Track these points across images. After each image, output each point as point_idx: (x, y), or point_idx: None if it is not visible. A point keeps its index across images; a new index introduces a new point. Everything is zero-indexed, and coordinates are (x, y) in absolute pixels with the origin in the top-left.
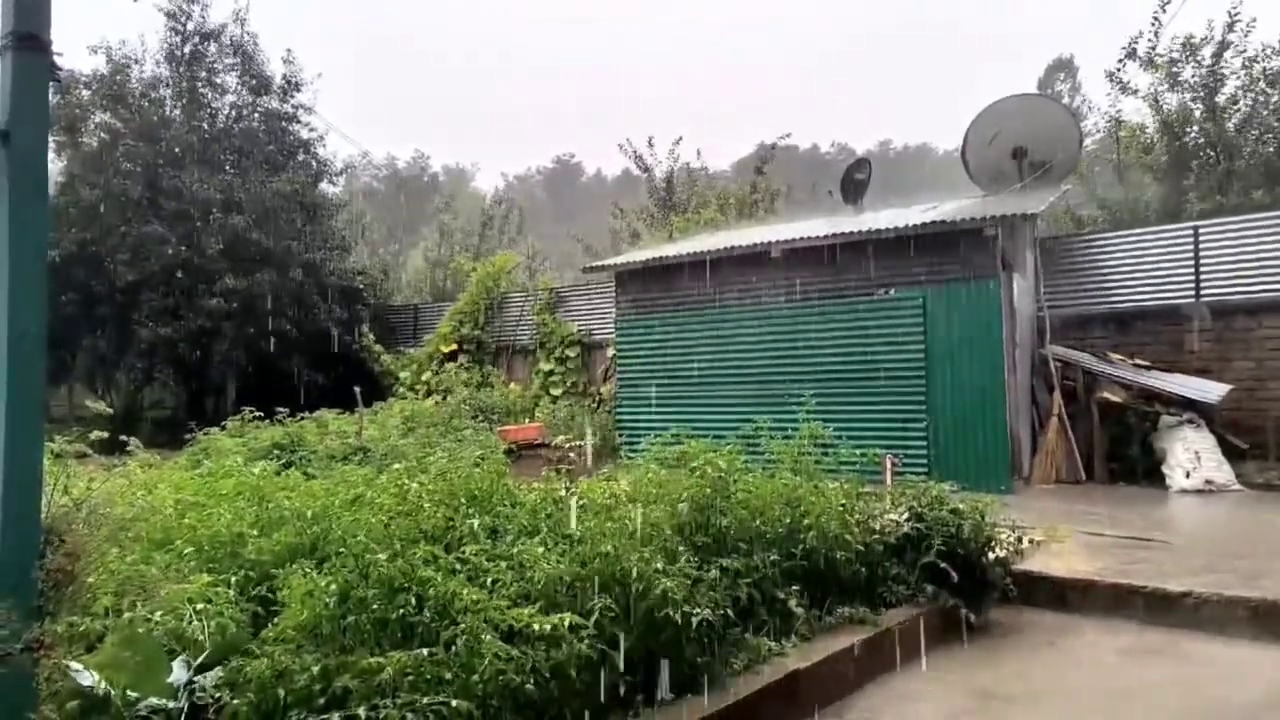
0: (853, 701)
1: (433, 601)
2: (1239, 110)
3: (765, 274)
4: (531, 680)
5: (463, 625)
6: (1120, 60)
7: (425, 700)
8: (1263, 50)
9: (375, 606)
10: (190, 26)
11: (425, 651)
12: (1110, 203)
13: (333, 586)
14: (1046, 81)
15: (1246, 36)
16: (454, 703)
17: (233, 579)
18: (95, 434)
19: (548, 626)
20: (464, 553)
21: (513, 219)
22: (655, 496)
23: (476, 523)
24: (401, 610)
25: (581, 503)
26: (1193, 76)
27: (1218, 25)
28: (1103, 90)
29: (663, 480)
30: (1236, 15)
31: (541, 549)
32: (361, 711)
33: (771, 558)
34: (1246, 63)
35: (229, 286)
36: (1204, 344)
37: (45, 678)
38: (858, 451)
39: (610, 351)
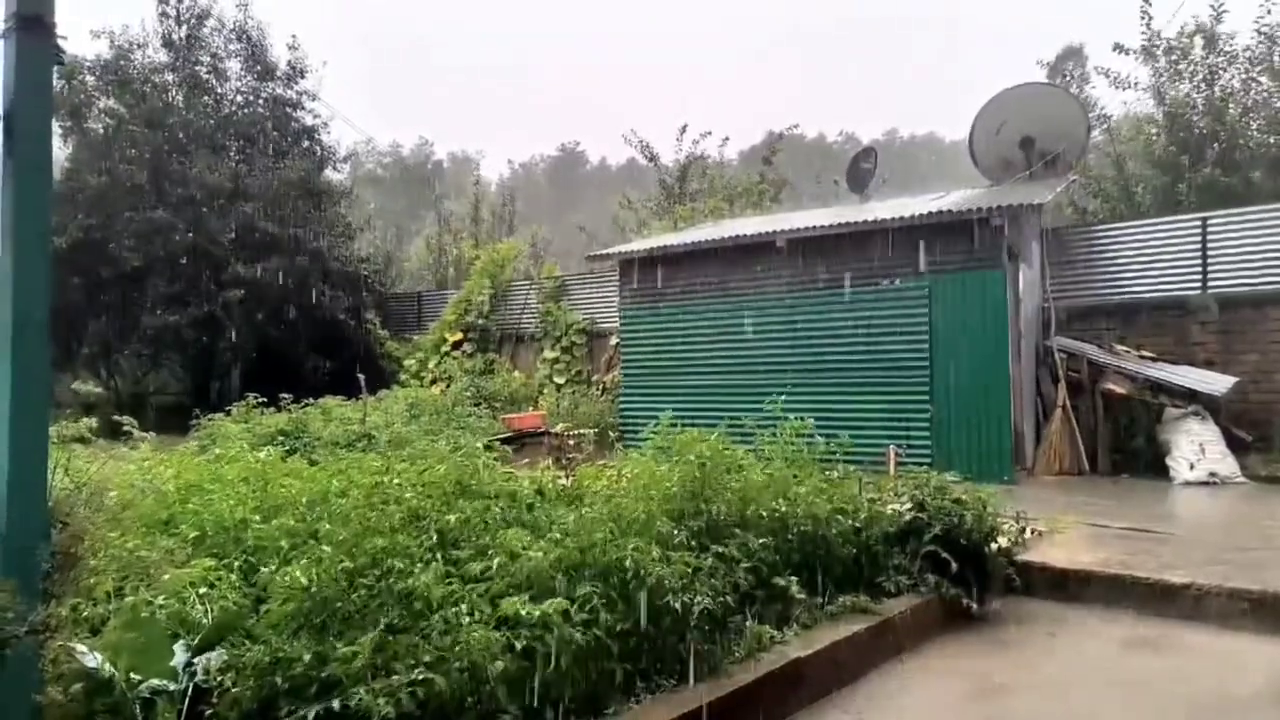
0: (854, 689)
1: (413, 593)
2: (1237, 100)
3: (770, 264)
4: (515, 665)
5: (438, 615)
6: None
7: (399, 680)
8: (1239, 40)
9: (352, 606)
10: (183, 8)
11: (390, 635)
12: (1111, 194)
13: (308, 588)
14: (1056, 70)
15: (1219, 24)
16: (423, 676)
17: (235, 564)
18: (91, 418)
19: (535, 613)
20: (456, 540)
21: (505, 209)
22: (651, 484)
23: (470, 509)
24: (381, 603)
25: (579, 490)
26: (1187, 68)
27: (1204, 18)
28: (1106, 81)
29: (655, 469)
30: (1223, 8)
31: (531, 536)
32: (335, 703)
33: (764, 543)
34: (1239, 51)
35: (238, 275)
36: (1210, 336)
37: (51, 660)
38: (840, 439)
39: (614, 340)
